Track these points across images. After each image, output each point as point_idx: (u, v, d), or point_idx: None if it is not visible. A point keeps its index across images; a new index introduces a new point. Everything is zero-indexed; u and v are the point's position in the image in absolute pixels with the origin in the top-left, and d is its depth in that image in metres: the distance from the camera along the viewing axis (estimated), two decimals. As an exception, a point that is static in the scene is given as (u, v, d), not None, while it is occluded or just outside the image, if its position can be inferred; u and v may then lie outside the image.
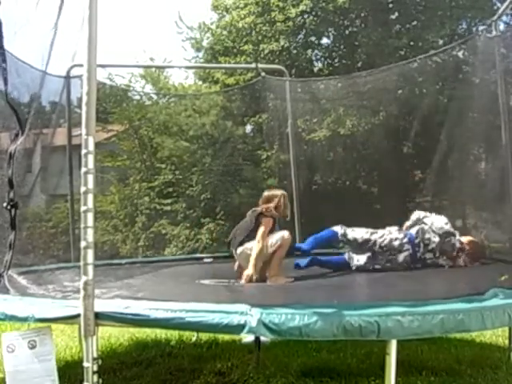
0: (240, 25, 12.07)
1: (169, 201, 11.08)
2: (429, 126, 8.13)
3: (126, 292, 3.45)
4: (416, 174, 10.45)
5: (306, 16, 11.82)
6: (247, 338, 4.41)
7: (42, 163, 6.49)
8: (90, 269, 2.53)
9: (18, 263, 3.94)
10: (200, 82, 13.54)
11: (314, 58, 12.73)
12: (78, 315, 2.54)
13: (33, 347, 2.68)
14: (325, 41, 12.53)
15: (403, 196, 10.43)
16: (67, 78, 6.54)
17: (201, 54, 12.93)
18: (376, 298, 3.15)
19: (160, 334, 5.34)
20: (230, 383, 3.75)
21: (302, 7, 11.49)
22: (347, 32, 12.23)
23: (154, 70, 13.95)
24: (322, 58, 12.79)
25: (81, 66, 2.95)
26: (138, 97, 12.89)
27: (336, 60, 12.57)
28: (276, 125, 9.32)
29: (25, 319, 2.75)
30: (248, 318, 2.31)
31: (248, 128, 11.61)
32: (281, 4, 11.80)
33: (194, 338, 5.10)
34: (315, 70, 12.43)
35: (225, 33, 12.36)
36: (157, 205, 11.09)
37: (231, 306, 2.52)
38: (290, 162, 7.30)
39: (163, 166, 11.39)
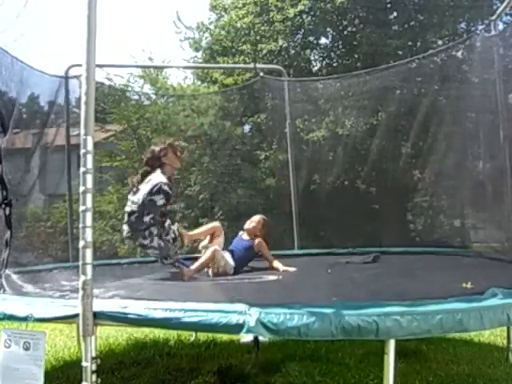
0: (238, 25, 12.07)
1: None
2: (427, 126, 8.13)
3: (125, 292, 3.45)
4: (414, 174, 10.45)
5: (304, 16, 11.82)
6: (246, 337, 4.41)
7: (41, 163, 6.48)
8: (89, 268, 2.52)
9: (16, 262, 3.95)
10: (198, 82, 13.51)
11: (312, 58, 12.72)
12: (77, 315, 2.54)
13: (27, 349, 2.70)
14: (323, 41, 12.51)
15: (402, 196, 10.43)
16: (65, 78, 6.54)
17: (199, 54, 12.89)
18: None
19: (158, 333, 5.35)
20: (228, 383, 3.75)
21: (300, 7, 11.49)
22: (346, 32, 12.22)
23: (152, 70, 13.93)
24: (321, 58, 12.77)
25: (79, 65, 2.95)
26: (136, 97, 12.85)
27: (334, 60, 12.56)
28: (274, 125, 9.31)
29: (24, 319, 2.75)
30: (247, 318, 2.30)
31: (246, 128, 11.60)
32: (279, 4, 11.80)
33: (192, 338, 5.11)
34: (314, 70, 12.43)
35: (223, 33, 12.33)
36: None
37: (230, 305, 2.52)
38: (289, 162, 7.28)
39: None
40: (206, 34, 12.79)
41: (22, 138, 5.85)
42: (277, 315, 2.31)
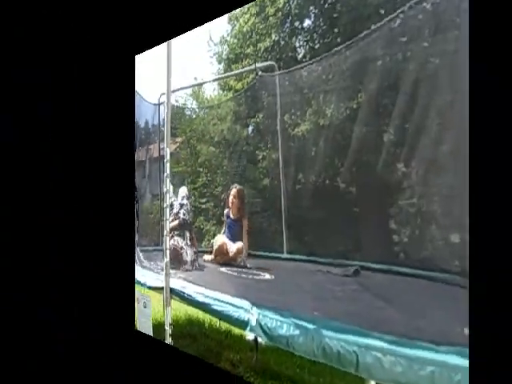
0: (245, 29, 12.63)
1: (203, 200, 12.44)
2: (415, 99, 6.69)
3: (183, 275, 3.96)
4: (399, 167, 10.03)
5: (291, 1, 11.83)
6: (249, 335, 3.76)
7: (149, 171, 7.91)
8: (169, 253, 3.14)
9: (139, 243, 5.04)
10: (221, 92, 14.48)
11: (297, 45, 12.36)
12: (162, 288, 3.14)
13: (145, 306, 3.39)
14: (307, 23, 11.87)
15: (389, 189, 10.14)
16: (158, 104, 7.48)
17: (221, 66, 13.74)
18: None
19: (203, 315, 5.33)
20: (238, 375, 3.63)
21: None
22: (326, 5, 11.65)
23: (196, 87, 15.13)
24: (304, 43, 12.25)
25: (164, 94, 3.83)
26: (189, 112, 14.13)
27: (316, 41, 11.80)
28: (269, 123, 8.43)
29: (144, 285, 3.50)
30: (250, 316, 2.39)
31: (249, 129, 12.20)
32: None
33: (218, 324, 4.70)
34: (299, 57, 12.16)
35: (235, 41, 13.08)
36: (198, 203, 12.44)
37: (239, 300, 2.62)
38: (279, 161, 7.06)
39: (201, 169, 12.66)
40: (225, 46, 13.58)
41: (139, 153, 6.95)
42: (271, 320, 2.34)
